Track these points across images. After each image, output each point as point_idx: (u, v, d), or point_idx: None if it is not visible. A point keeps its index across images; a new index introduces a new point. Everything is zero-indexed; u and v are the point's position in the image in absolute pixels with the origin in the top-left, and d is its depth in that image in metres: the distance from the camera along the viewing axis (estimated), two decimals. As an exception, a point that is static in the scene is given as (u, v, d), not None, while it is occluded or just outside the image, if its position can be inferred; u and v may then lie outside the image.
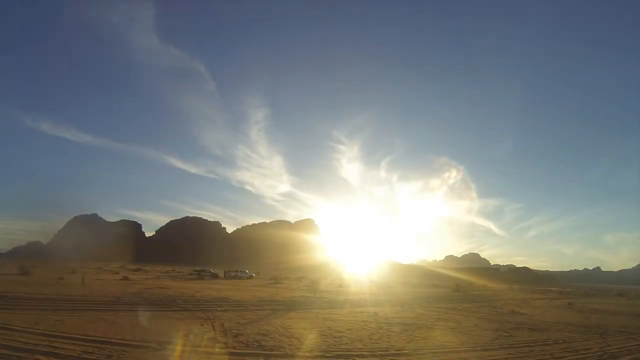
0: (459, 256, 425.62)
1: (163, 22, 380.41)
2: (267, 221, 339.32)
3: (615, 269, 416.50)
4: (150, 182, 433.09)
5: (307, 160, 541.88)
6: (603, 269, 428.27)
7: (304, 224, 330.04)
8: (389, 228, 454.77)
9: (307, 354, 8.73)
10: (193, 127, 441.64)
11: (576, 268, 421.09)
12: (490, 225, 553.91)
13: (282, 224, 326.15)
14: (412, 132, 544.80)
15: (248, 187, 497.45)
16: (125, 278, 36.11)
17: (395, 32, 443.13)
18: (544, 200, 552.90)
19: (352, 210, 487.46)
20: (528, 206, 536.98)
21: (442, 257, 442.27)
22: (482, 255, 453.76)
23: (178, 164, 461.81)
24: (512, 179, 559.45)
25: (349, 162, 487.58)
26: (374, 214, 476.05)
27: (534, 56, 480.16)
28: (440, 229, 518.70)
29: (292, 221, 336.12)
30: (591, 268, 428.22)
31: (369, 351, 9.29)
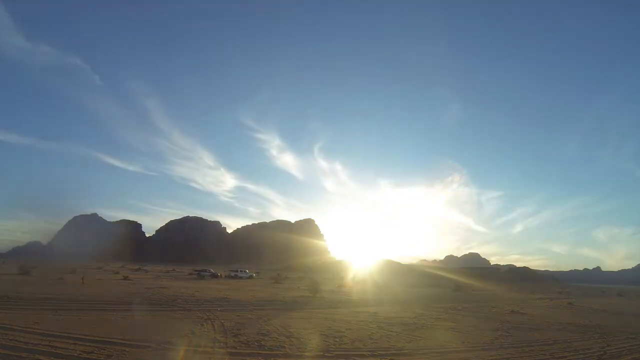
0: (459, 256, 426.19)
1: (21, 20, 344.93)
2: (267, 221, 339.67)
3: (615, 269, 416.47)
4: (95, 181, 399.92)
5: (234, 151, 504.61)
6: (603, 269, 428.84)
7: (304, 225, 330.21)
8: (350, 222, 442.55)
9: (307, 354, 8.73)
10: (101, 123, 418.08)
11: (576, 268, 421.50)
12: (469, 221, 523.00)
13: (281, 224, 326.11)
14: (330, 112, 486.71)
15: (193, 184, 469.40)
16: (126, 278, 36.13)
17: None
18: (523, 187, 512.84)
19: (300, 203, 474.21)
20: (507, 195, 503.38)
21: (442, 257, 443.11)
22: (454, 252, 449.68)
23: (114, 162, 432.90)
24: (477, 158, 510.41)
25: (279, 152, 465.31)
26: (330, 208, 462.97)
27: (480, 15, 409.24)
28: (406, 224, 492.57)
29: (292, 221, 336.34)
30: (591, 268, 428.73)
31: (369, 351, 9.29)
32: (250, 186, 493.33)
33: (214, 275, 52.31)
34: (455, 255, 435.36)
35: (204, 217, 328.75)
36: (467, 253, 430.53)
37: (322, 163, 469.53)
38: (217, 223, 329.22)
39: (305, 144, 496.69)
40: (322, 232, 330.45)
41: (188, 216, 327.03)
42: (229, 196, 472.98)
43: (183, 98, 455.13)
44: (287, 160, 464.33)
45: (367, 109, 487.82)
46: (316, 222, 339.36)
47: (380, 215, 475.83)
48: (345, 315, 15.97)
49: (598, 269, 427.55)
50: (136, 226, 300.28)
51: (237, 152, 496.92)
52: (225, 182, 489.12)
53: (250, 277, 55.54)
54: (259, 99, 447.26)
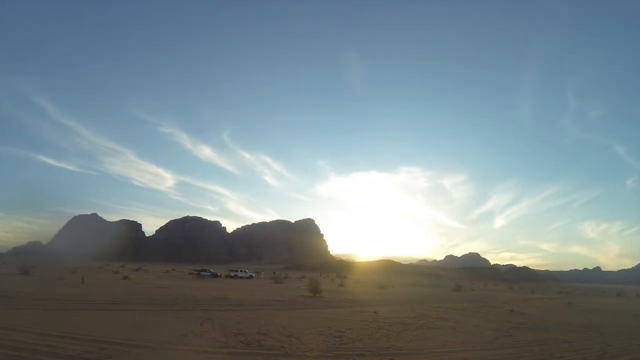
0: (459, 256, 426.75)
1: None
2: (267, 220, 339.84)
3: (615, 269, 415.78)
4: (40, 182, 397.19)
5: (150, 145, 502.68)
6: (601, 268, 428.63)
7: (304, 224, 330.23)
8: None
9: (307, 354, 8.72)
10: (18, 126, 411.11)
11: (576, 268, 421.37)
12: (440, 215, 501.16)
13: (281, 224, 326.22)
14: (228, 99, 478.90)
15: (134, 182, 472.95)
16: (126, 278, 36.14)
17: None
18: (488, 168, 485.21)
19: (253, 198, 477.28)
20: (473, 179, 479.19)
21: (442, 257, 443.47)
22: (453, 252, 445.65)
23: (51, 161, 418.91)
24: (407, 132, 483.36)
25: (193, 145, 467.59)
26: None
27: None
28: (368, 219, 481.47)
29: (292, 221, 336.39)
30: (591, 268, 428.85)
31: (369, 351, 9.28)
32: (192, 182, 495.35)
33: (214, 275, 52.33)
34: (455, 255, 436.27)
35: (204, 218, 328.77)
36: (467, 253, 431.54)
37: (247, 155, 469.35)
38: (217, 223, 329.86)
39: (212, 134, 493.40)
40: (322, 232, 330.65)
41: (188, 216, 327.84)
42: (178, 195, 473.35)
43: (70, 93, 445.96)
44: (207, 152, 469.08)
45: (262, 86, 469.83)
46: (316, 222, 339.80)
47: (341, 208, 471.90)
48: (345, 315, 15.96)
49: (598, 268, 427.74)
50: (136, 226, 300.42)
51: (154, 147, 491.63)
52: (164, 177, 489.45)
53: (250, 277, 55.55)
54: (147, 90, 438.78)
